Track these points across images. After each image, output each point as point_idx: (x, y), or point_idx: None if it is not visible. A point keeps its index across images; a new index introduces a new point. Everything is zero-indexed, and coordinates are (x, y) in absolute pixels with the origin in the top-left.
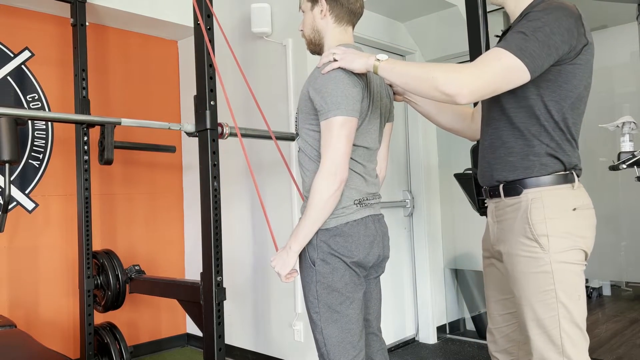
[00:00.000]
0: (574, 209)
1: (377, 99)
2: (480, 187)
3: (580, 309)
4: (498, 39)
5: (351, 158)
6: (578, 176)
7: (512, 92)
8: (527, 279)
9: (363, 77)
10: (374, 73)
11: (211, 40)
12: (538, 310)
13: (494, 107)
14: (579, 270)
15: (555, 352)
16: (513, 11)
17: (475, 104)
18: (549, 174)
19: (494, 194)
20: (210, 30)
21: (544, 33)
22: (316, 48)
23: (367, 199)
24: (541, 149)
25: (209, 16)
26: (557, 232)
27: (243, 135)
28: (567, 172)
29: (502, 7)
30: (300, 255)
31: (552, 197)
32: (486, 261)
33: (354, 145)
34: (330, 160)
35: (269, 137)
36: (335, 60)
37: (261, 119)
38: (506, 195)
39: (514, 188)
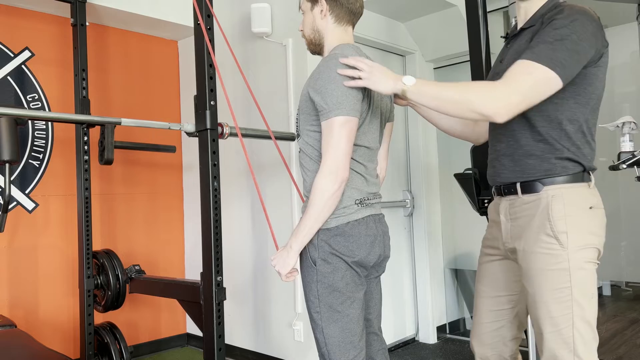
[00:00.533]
0: (591, 207)
1: (377, 99)
2: (479, 187)
3: (593, 308)
4: (504, 40)
5: (352, 158)
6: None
7: None
8: (544, 276)
9: None
10: (403, 97)
11: (211, 40)
12: (552, 308)
13: None
14: (593, 269)
15: (567, 351)
16: (526, 9)
17: None
18: (568, 174)
19: (509, 191)
20: (210, 30)
21: (571, 40)
22: (316, 48)
23: (368, 199)
24: (562, 153)
25: (209, 16)
26: (576, 230)
27: (243, 135)
28: (585, 171)
29: (505, 7)
30: (301, 255)
31: (572, 195)
32: (487, 257)
33: (355, 145)
34: (331, 160)
35: (269, 137)
36: (359, 78)
37: (261, 119)
38: (524, 192)
39: (533, 185)
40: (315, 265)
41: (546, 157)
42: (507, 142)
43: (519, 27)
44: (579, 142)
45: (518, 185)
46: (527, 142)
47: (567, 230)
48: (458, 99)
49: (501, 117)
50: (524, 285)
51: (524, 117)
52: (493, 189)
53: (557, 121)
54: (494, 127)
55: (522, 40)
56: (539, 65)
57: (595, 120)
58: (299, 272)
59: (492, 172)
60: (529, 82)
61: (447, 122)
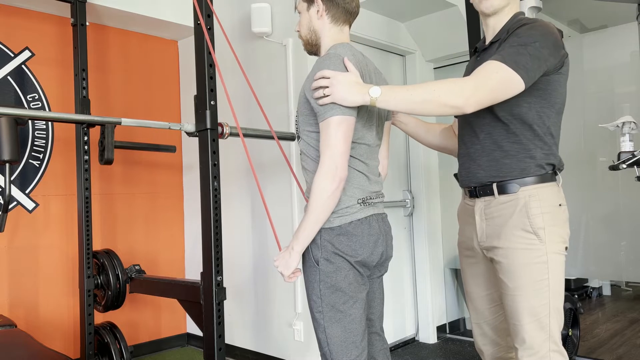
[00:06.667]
0: (560, 205)
1: None
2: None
3: (561, 296)
4: (474, 53)
5: (353, 156)
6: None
7: (506, 101)
8: (525, 269)
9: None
10: (372, 106)
11: (211, 40)
12: (533, 299)
13: (486, 115)
14: (564, 261)
15: (544, 337)
16: (494, 25)
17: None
18: (542, 174)
19: (484, 192)
20: (210, 30)
21: (534, 47)
22: (313, 48)
23: (371, 198)
24: (536, 152)
25: (209, 16)
26: (550, 225)
27: (244, 136)
28: (554, 171)
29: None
30: (303, 255)
31: (545, 193)
32: (468, 260)
33: (355, 142)
34: (329, 159)
35: (270, 137)
36: (325, 95)
37: (261, 119)
38: (500, 193)
39: (509, 186)
40: (318, 265)
41: (521, 157)
42: (483, 144)
43: (487, 42)
44: (550, 142)
45: (494, 186)
46: (503, 143)
47: (544, 227)
48: (428, 98)
49: (470, 107)
50: (502, 279)
51: (499, 120)
52: (465, 192)
53: (529, 123)
54: (466, 130)
55: (492, 51)
56: (505, 67)
57: (559, 124)
58: (302, 272)
59: (466, 173)
60: (496, 80)
61: (434, 139)
